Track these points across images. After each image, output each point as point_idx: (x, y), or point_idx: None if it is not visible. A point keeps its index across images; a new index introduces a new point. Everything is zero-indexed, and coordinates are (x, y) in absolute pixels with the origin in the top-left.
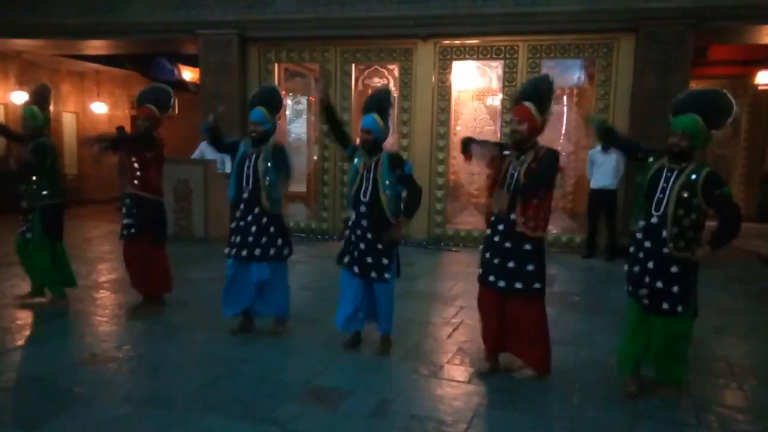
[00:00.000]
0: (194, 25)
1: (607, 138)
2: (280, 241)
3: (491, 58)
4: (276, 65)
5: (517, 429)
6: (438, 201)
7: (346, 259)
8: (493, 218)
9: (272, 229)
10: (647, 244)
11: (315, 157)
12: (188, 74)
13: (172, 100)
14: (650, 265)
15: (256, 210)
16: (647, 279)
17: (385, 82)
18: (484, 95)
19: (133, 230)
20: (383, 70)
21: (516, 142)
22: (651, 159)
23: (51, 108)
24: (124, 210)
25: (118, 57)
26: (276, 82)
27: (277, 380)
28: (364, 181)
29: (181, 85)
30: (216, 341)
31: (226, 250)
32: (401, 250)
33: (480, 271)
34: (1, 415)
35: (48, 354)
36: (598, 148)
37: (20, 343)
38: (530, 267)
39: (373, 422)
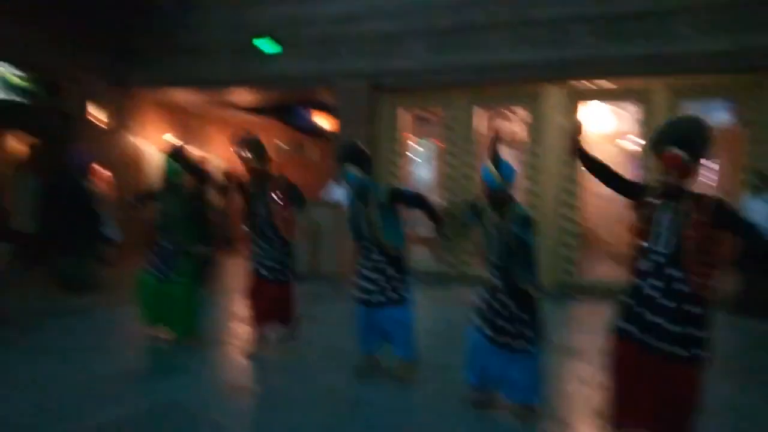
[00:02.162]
0: (330, 75)
1: None
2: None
3: (625, 100)
4: (402, 111)
5: None
6: (568, 248)
7: (490, 333)
8: (644, 269)
9: (395, 274)
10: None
11: (440, 200)
12: (323, 121)
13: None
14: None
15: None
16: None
17: (511, 124)
18: (618, 138)
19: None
20: (509, 112)
21: (668, 190)
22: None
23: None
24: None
25: (260, 107)
26: (402, 128)
27: (407, 424)
28: (494, 242)
29: (317, 131)
30: (342, 381)
31: (354, 296)
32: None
33: (620, 323)
34: None
35: (187, 383)
36: (750, 194)
37: (161, 370)
38: (697, 331)
39: None
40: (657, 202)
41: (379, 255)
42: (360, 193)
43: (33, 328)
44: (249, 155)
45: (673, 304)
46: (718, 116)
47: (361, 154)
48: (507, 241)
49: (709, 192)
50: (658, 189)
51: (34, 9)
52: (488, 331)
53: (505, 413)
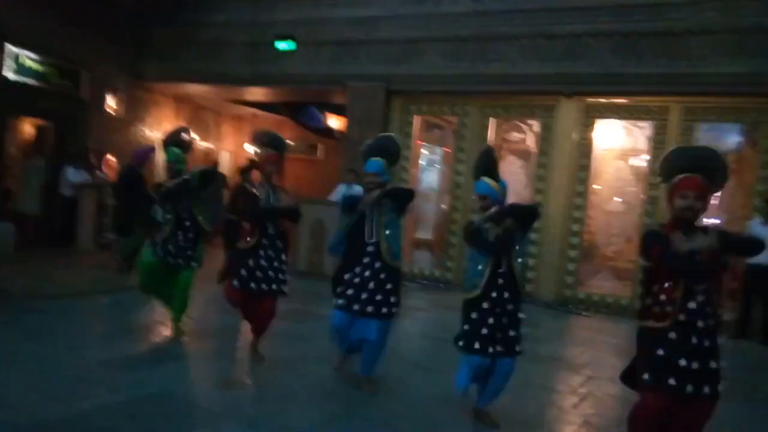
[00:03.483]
0: (345, 78)
1: None
2: (393, 299)
3: (639, 118)
4: (416, 117)
5: None
6: (570, 261)
7: (498, 347)
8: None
9: (389, 287)
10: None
11: (443, 206)
12: (334, 122)
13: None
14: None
15: (377, 264)
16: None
17: (524, 137)
18: (628, 155)
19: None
20: (522, 124)
21: (686, 219)
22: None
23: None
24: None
25: (274, 104)
26: (414, 133)
27: (396, 425)
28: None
29: (327, 132)
30: (338, 379)
31: (337, 301)
32: (528, 310)
33: (660, 378)
34: (136, 427)
35: (182, 372)
36: (758, 220)
37: (157, 358)
38: (723, 363)
39: None
40: (682, 239)
41: (380, 264)
42: (390, 194)
43: (34, 310)
44: (269, 150)
45: (708, 343)
46: (731, 139)
47: (395, 149)
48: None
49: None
50: (672, 222)
51: None
52: (499, 347)
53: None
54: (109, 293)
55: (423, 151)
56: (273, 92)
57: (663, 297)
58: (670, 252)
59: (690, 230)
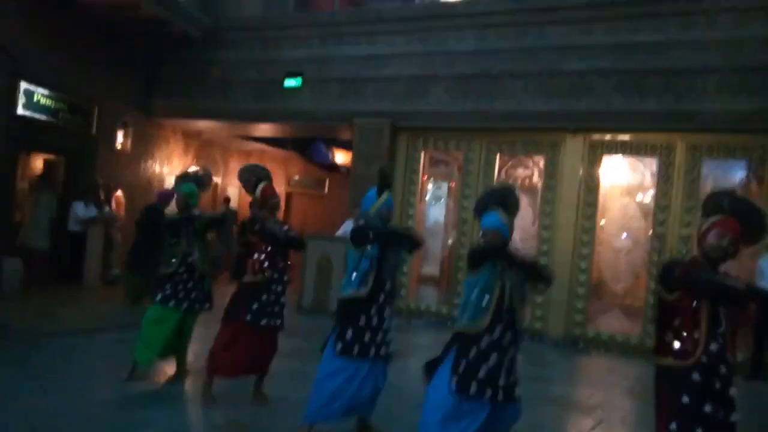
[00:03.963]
0: (351, 114)
1: None
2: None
3: (645, 155)
4: (422, 152)
5: None
6: (579, 299)
7: (499, 394)
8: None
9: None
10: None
11: (450, 241)
12: (341, 157)
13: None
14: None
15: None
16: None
17: (530, 173)
18: (634, 191)
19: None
20: (528, 160)
21: (715, 259)
22: None
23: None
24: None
25: (282, 139)
26: (421, 169)
27: None
28: (506, 290)
29: (334, 167)
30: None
31: (341, 347)
32: (536, 348)
33: (686, 429)
34: None
35: (189, 414)
36: (767, 256)
37: (158, 398)
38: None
39: None
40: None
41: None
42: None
43: (37, 347)
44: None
45: (731, 392)
46: (737, 175)
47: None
48: (515, 288)
49: None
50: (702, 260)
51: (69, 34)
52: (494, 391)
53: None
54: (112, 331)
55: (429, 186)
56: (280, 128)
57: (684, 333)
58: (698, 270)
59: (714, 271)
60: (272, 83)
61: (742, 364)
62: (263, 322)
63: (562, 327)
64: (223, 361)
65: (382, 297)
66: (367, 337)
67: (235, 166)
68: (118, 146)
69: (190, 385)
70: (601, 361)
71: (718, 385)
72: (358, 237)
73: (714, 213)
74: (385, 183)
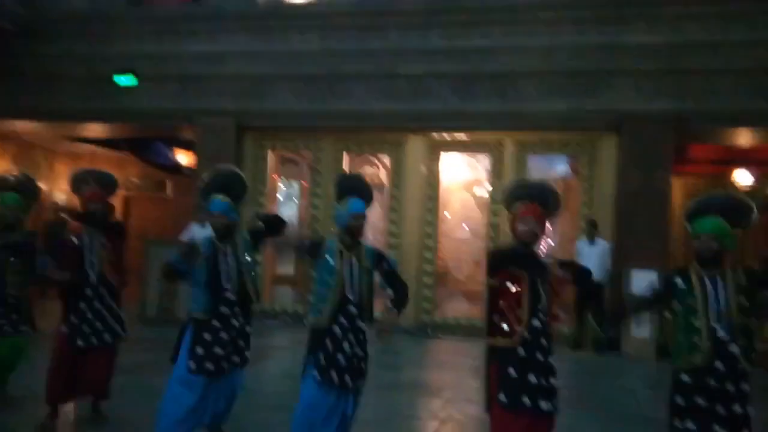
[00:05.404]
0: (193, 113)
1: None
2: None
3: (479, 152)
4: (270, 152)
5: None
6: (426, 288)
7: (346, 377)
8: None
9: (248, 329)
10: (719, 365)
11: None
12: (183, 158)
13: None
14: (730, 388)
15: (238, 312)
16: (722, 410)
17: (377, 170)
18: (472, 186)
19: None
20: (375, 159)
21: (527, 243)
22: (678, 279)
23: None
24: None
25: (115, 139)
26: (270, 169)
27: None
28: (348, 277)
29: (176, 168)
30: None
31: (195, 366)
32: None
33: (515, 398)
34: None
35: None
36: (585, 239)
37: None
38: (751, 411)
39: None
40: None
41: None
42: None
43: None
44: (94, 189)
45: (551, 361)
46: (558, 168)
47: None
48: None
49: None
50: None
51: None
52: (348, 381)
53: None
54: None
55: (280, 185)
56: (114, 128)
57: (509, 315)
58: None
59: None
60: (102, 81)
61: (569, 336)
62: (79, 342)
63: (412, 315)
64: (53, 388)
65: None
66: (218, 350)
67: (62, 170)
68: None
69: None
70: (449, 344)
71: (540, 357)
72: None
73: (513, 204)
74: (341, 189)
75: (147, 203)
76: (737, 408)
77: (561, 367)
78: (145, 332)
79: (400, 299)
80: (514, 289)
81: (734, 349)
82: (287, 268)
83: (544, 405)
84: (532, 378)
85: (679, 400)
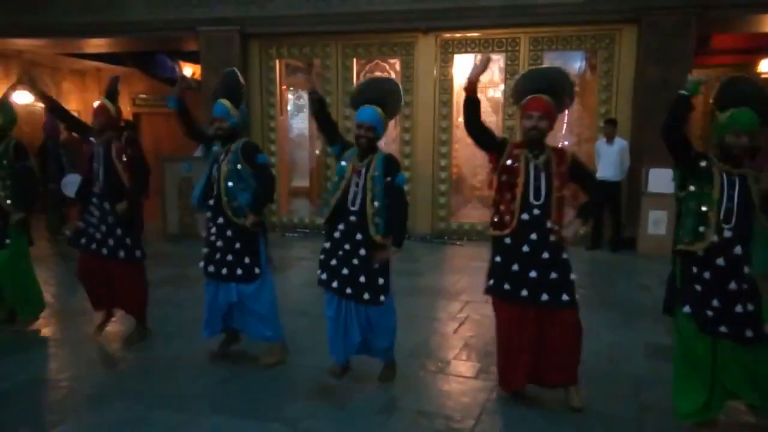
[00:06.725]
0: (195, 23)
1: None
2: (247, 259)
3: (493, 51)
4: (277, 61)
5: (525, 424)
6: (441, 195)
7: (334, 283)
8: (514, 224)
9: (238, 245)
10: (720, 262)
11: (317, 152)
12: (188, 71)
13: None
14: (733, 286)
15: (220, 220)
16: (719, 304)
17: (387, 75)
18: (486, 88)
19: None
20: (385, 64)
21: (532, 140)
22: (704, 163)
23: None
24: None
25: (119, 55)
26: (277, 78)
27: (284, 379)
28: (352, 187)
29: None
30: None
31: (201, 264)
32: (405, 245)
33: (498, 284)
34: (14, 415)
35: (59, 356)
36: (603, 139)
37: (32, 345)
38: (572, 276)
39: (381, 419)
40: (521, 153)
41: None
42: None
43: None
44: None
45: (548, 255)
46: (575, 65)
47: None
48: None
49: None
50: (522, 141)
51: None
52: (345, 289)
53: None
54: None
55: (290, 96)
56: (116, 42)
57: (502, 207)
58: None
59: (538, 149)
60: None
61: (585, 237)
62: (82, 241)
63: (428, 223)
64: (88, 295)
65: None
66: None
67: (69, 88)
68: None
69: (50, 328)
70: (466, 250)
71: (526, 249)
72: None
73: (521, 98)
74: (355, 99)
75: (157, 120)
76: (738, 308)
77: (577, 268)
78: (167, 248)
79: (392, 223)
80: (509, 183)
81: (738, 251)
82: (302, 181)
83: (524, 293)
84: (515, 267)
85: (678, 283)
